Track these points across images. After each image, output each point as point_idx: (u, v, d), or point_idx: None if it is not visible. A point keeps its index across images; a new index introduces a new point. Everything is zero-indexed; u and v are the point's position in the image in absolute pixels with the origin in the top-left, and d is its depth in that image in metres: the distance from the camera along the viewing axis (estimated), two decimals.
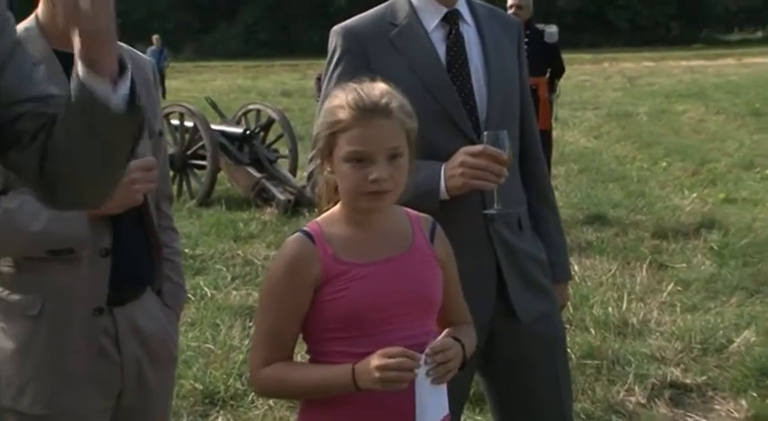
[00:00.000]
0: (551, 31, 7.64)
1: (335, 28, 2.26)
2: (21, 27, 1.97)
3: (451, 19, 2.24)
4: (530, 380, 2.33)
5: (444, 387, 1.75)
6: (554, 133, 8.47)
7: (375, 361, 1.65)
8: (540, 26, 7.67)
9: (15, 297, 1.93)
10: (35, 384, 1.94)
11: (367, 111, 1.70)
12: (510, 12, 7.32)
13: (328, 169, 1.78)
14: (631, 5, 58.41)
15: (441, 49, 2.22)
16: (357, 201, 1.74)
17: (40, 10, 2.01)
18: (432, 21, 2.23)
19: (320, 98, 2.26)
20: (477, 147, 2.06)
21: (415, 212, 1.88)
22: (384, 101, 1.72)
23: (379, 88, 1.75)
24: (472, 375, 2.34)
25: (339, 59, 2.21)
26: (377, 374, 1.64)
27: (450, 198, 2.11)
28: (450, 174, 2.08)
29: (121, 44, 2.14)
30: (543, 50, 7.50)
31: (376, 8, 2.30)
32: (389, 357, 1.64)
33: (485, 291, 2.20)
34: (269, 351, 1.76)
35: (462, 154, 2.07)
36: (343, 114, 1.71)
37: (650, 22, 58.15)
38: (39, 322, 1.94)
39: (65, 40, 1.97)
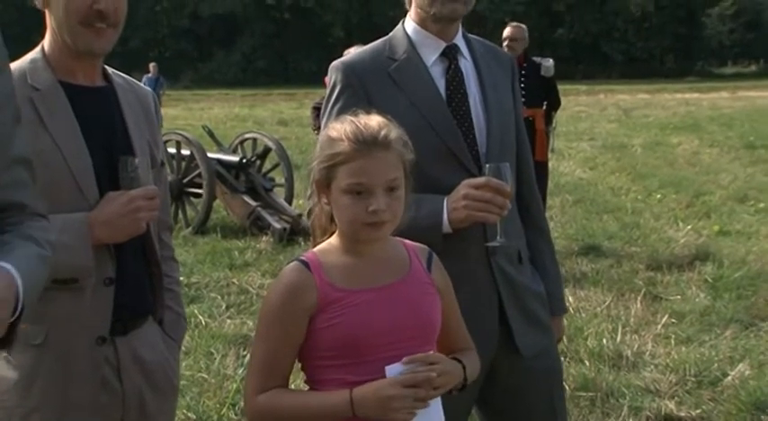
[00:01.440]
0: (548, 64, 7.69)
1: (335, 63, 2.28)
2: (27, 58, 2.01)
3: (450, 53, 2.27)
4: (527, 414, 2.33)
5: (434, 411, 1.74)
6: (549, 164, 8.51)
7: (391, 390, 1.66)
8: (537, 59, 7.74)
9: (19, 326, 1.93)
10: (39, 414, 1.94)
11: (367, 144, 1.73)
12: (505, 44, 7.39)
13: (325, 201, 1.80)
14: (626, 38, 58.89)
15: (440, 84, 2.24)
16: (356, 232, 1.76)
17: (46, 41, 2.05)
18: (431, 55, 2.26)
19: (320, 130, 2.28)
20: (481, 180, 2.08)
21: (411, 242, 1.90)
22: (383, 133, 1.75)
23: (376, 120, 1.78)
24: (470, 407, 2.34)
25: (339, 94, 2.23)
26: (395, 404, 1.66)
27: (452, 231, 2.12)
28: (453, 206, 2.10)
29: (121, 74, 2.17)
30: (540, 83, 7.57)
31: (374, 43, 2.33)
32: (404, 386, 1.66)
33: (487, 324, 2.21)
34: (264, 378, 1.76)
35: (465, 186, 2.09)
36: (342, 147, 1.74)
37: (645, 54, 58.60)
38: (43, 351, 1.94)
39: (70, 71, 2.02)
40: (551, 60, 7.83)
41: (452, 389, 1.82)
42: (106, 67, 2.13)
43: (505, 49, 7.29)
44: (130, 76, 2.29)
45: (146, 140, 2.14)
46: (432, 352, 1.77)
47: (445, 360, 1.77)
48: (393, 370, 1.69)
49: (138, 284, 2.08)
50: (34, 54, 2.03)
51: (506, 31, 7.56)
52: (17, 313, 1.33)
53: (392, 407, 1.66)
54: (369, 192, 1.72)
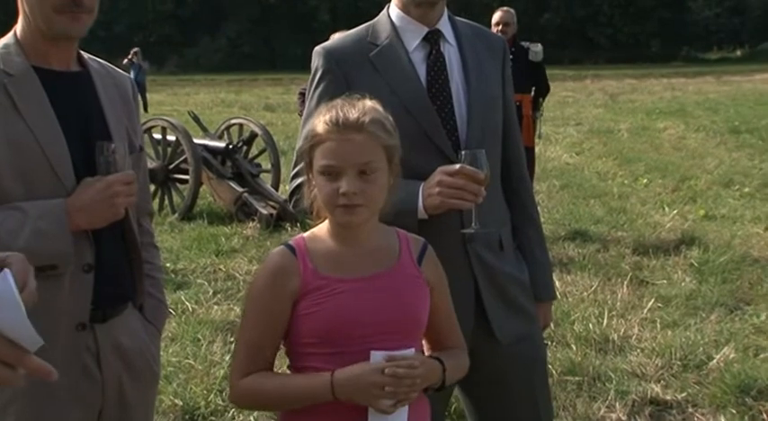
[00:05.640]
0: (536, 49, 7.65)
1: (317, 48, 2.27)
2: None
3: (432, 39, 2.25)
4: (508, 402, 2.32)
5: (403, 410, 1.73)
6: (536, 149, 8.51)
7: (372, 377, 1.66)
8: (525, 44, 7.71)
9: None
10: (19, 402, 1.92)
11: (338, 125, 1.74)
12: (496, 29, 7.37)
13: (313, 183, 1.80)
14: (612, 23, 58.90)
15: (421, 69, 2.22)
16: (332, 214, 1.77)
17: (18, 26, 2.01)
18: (413, 40, 2.24)
19: (303, 116, 2.27)
20: (455, 167, 2.06)
21: (406, 233, 1.89)
22: (358, 116, 1.75)
23: (360, 105, 1.78)
24: (450, 392, 2.34)
25: (320, 79, 2.22)
26: (375, 391, 1.66)
27: (428, 217, 2.10)
28: (427, 192, 2.08)
29: (98, 59, 2.15)
30: (528, 68, 7.54)
31: (358, 28, 2.31)
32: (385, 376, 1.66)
33: (463, 311, 2.16)
34: (248, 361, 1.77)
35: (440, 173, 2.07)
36: (320, 128, 1.75)
37: (631, 39, 58.62)
38: None
39: (44, 56, 1.98)
40: (540, 45, 7.79)
41: (429, 388, 1.81)
42: (81, 52, 2.10)
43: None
44: (114, 61, 2.25)
45: (123, 126, 2.11)
46: (412, 350, 1.74)
47: (425, 363, 1.75)
48: (377, 356, 1.69)
49: (117, 270, 2.06)
50: (6, 39, 2.00)
51: (496, 16, 7.53)
52: None
53: (372, 393, 1.67)
54: (339, 173, 1.72)
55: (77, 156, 1.96)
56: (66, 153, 1.94)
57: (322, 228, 1.83)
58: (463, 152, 2.08)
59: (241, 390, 1.78)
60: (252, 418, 3.83)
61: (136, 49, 23.04)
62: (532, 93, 7.87)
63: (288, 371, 1.84)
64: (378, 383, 1.66)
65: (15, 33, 2.00)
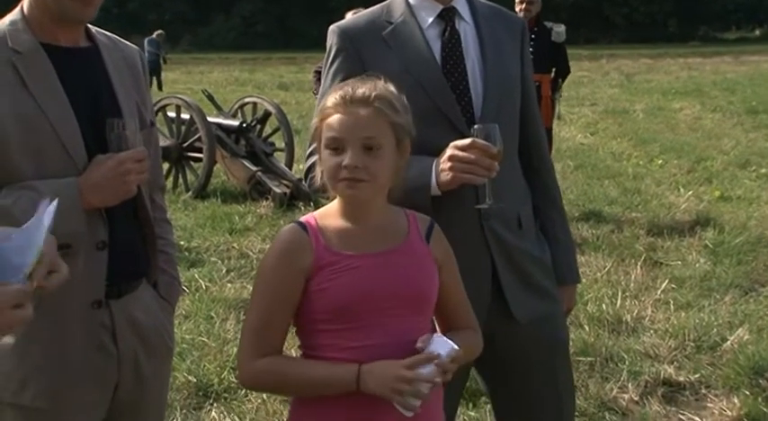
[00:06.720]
0: (559, 30, 7.54)
1: (332, 27, 2.26)
2: (6, 21, 1.95)
3: (447, 16, 2.23)
4: (528, 384, 2.29)
5: None
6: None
7: (401, 371, 1.65)
8: (548, 24, 7.61)
9: None
10: (36, 378, 1.93)
11: (347, 99, 1.74)
12: (521, 7, 7.28)
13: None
14: (629, 2, 58.33)
15: (436, 47, 2.21)
16: (335, 189, 1.77)
17: (26, 3, 1.98)
18: (427, 18, 2.23)
19: (318, 95, 2.27)
20: (466, 141, 2.03)
21: (413, 212, 1.89)
22: (366, 91, 1.75)
23: (372, 83, 1.78)
24: (468, 372, 2.33)
25: (334, 58, 2.22)
26: (406, 387, 1.64)
27: (441, 193, 2.08)
28: (440, 168, 2.06)
29: (106, 33, 2.13)
30: (550, 48, 7.46)
31: (374, 7, 2.30)
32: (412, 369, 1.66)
33: (480, 290, 2.16)
34: (260, 341, 1.76)
35: (451, 148, 2.04)
36: (329, 103, 1.77)
37: (647, 18, 58.05)
38: (38, 316, 1.92)
39: (52, 33, 1.96)
40: (563, 26, 7.68)
41: None
42: (90, 26, 2.08)
43: (520, 13, 7.19)
44: (129, 39, 2.24)
45: (134, 101, 2.09)
46: (425, 336, 1.73)
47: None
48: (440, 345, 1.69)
49: (131, 247, 2.06)
50: (12, 16, 1.97)
51: None
52: None
53: (396, 388, 1.65)
54: (343, 147, 1.73)
55: (88, 132, 1.95)
56: (77, 130, 1.93)
57: (331, 207, 1.83)
58: (476, 126, 2.05)
59: (256, 372, 1.77)
60: (264, 396, 3.85)
61: (160, 32, 23.63)
62: (552, 73, 7.78)
63: (299, 352, 1.84)
64: (401, 377, 1.65)
65: (22, 9, 1.98)
